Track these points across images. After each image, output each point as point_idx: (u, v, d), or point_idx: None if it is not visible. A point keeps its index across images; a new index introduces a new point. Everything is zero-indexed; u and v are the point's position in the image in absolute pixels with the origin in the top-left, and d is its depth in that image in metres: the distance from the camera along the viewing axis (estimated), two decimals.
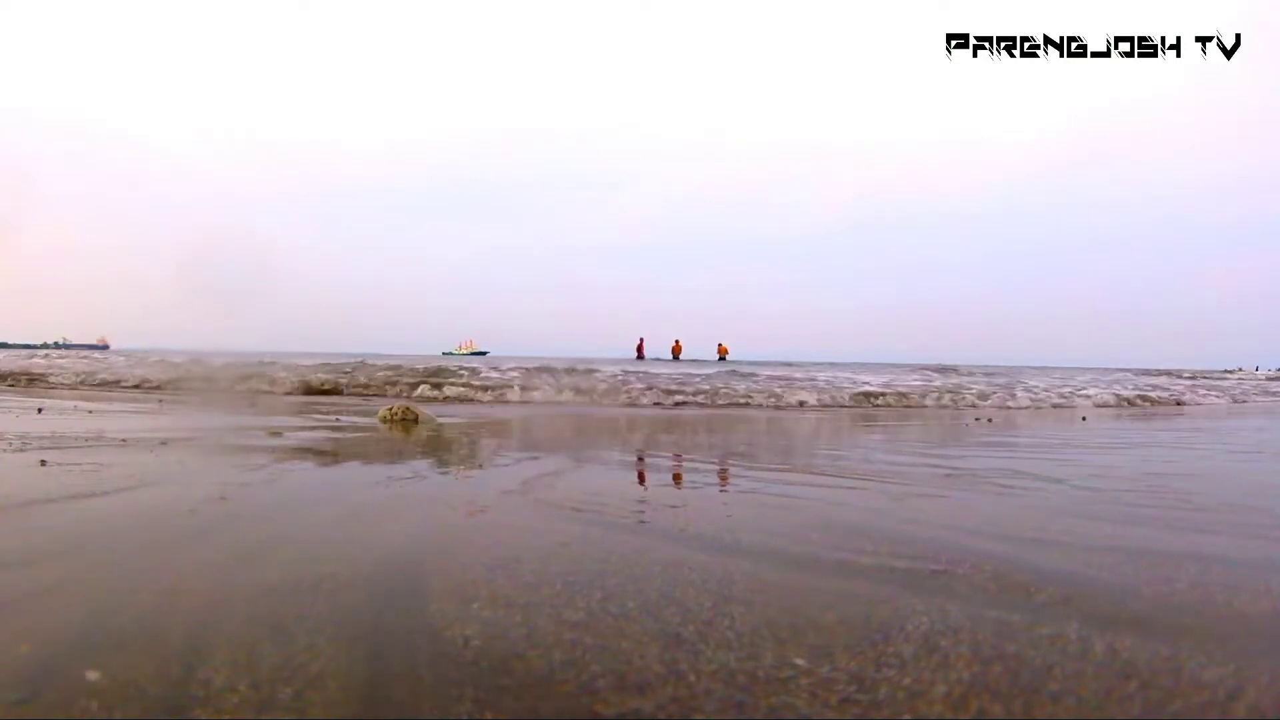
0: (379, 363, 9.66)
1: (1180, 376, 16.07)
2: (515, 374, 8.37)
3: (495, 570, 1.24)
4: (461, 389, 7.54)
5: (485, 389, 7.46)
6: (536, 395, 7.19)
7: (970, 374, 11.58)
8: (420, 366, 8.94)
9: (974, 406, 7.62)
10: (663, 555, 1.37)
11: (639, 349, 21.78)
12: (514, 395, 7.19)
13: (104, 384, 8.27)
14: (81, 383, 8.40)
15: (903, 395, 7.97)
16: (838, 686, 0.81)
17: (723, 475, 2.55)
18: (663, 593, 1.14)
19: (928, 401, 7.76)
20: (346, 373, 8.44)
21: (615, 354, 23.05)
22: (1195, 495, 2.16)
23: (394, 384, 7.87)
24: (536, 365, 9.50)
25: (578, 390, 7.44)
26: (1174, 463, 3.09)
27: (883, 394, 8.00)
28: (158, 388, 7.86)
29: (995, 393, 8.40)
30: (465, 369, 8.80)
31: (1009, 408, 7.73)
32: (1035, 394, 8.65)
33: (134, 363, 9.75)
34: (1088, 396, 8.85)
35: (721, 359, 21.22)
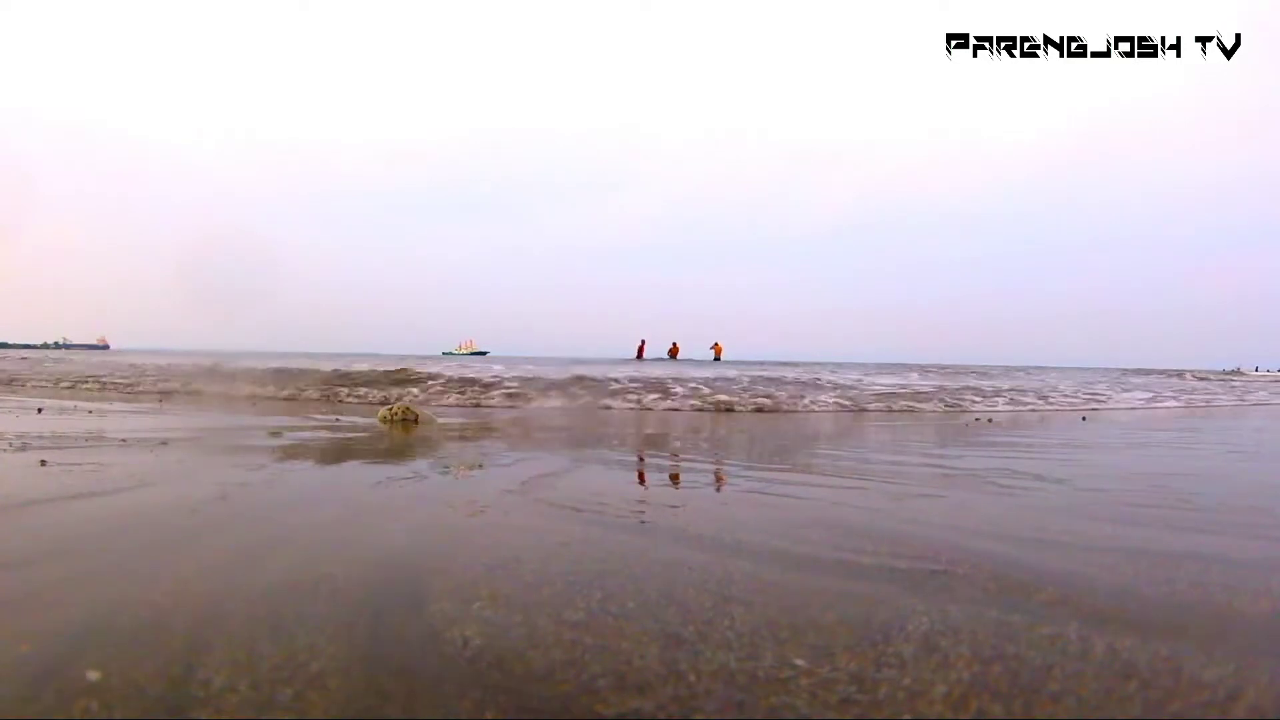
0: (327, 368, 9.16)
1: (1190, 377, 16.07)
2: (500, 369, 8.25)
3: (495, 570, 1.24)
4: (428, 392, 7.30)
5: (465, 389, 7.36)
6: (536, 396, 7.18)
7: (965, 374, 11.57)
8: (383, 369, 8.63)
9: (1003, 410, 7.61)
10: (663, 555, 1.37)
11: (640, 350, 21.78)
12: (511, 397, 7.18)
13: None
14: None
15: (904, 396, 7.97)
16: (838, 686, 0.81)
17: (721, 475, 2.55)
18: (663, 593, 1.14)
19: (929, 404, 7.76)
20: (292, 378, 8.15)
21: (615, 354, 23.08)
22: (1195, 495, 2.15)
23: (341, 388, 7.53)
24: (535, 365, 9.47)
25: (575, 390, 7.43)
26: (1174, 463, 3.09)
27: (890, 394, 8.00)
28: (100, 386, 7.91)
29: (1025, 398, 8.37)
30: (429, 373, 8.36)
31: (1030, 409, 7.72)
32: (1065, 394, 8.62)
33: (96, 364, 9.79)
34: (1149, 399, 8.80)
35: (716, 359, 21.22)
